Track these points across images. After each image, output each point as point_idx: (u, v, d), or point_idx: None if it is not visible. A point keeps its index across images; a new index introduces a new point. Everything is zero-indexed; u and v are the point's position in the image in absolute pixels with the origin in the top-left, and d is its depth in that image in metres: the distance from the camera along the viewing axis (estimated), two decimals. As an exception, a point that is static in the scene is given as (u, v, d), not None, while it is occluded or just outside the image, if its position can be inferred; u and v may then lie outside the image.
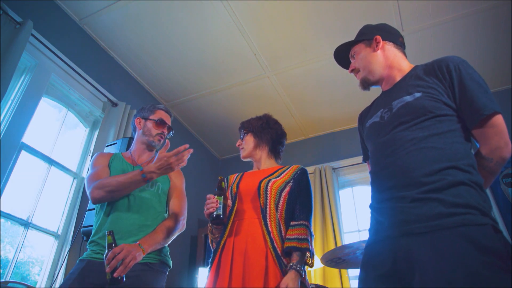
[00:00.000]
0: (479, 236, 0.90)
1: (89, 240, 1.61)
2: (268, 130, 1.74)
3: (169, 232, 1.60)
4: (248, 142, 1.74)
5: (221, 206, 1.42)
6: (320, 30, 2.85)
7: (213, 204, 1.43)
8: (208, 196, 1.47)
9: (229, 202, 1.57)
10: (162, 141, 1.83)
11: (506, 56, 3.01)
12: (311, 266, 1.45)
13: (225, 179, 1.74)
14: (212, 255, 1.50)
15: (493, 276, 0.85)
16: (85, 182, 1.66)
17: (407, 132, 1.12)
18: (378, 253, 1.06)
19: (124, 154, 1.84)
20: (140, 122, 1.84)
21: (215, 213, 1.41)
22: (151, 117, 1.83)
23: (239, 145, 1.78)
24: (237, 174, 1.74)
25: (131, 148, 1.88)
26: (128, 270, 1.34)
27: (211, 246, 1.59)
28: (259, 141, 1.73)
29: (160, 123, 1.82)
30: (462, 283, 0.85)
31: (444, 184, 0.99)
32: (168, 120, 1.88)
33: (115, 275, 1.33)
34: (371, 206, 1.19)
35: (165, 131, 1.84)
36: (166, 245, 1.64)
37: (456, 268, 0.87)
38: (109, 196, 1.56)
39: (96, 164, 1.71)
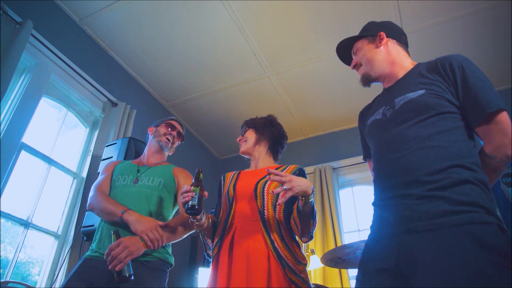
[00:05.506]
0: (485, 234, 0.89)
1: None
2: (270, 128, 1.75)
3: (183, 225, 1.63)
4: (249, 137, 1.74)
5: (197, 197, 1.40)
6: (320, 30, 2.85)
7: (189, 194, 1.41)
8: (186, 187, 1.45)
9: (226, 204, 1.57)
10: (170, 144, 1.90)
11: (506, 56, 3.01)
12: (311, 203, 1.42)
13: (201, 172, 1.72)
14: (212, 258, 1.50)
15: (498, 275, 0.84)
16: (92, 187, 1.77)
17: (411, 130, 1.10)
18: (380, 250, 1.05)
19: (134, 160, 1.94)
20: (152, 130, 1.98)
21: (190, 203, 1.39)
22: (162, 123, 1.95)
23: (239, 140, 1.78)
24: (234, 172, 1.73)
25: (142, 153, 1.97)
26: (125, 265, 1.37)
27: (204, 247, 1.60)
28: (260, 137, 1.73)
29: (169, 125, 1.93)
30: (466, 282, 0.84)
31: (450, 182, 0.98)
32: (178, 127, 1.97)
33: (116, 269, 1.35)
34: (374, 204, 1.18)
35: (174, 134, 1.92)
36: (178, 239, 1.65)
37: (460, 266, 0.86)
38: (96, 213, 1.67)
39: (102, 173, 1.83)
